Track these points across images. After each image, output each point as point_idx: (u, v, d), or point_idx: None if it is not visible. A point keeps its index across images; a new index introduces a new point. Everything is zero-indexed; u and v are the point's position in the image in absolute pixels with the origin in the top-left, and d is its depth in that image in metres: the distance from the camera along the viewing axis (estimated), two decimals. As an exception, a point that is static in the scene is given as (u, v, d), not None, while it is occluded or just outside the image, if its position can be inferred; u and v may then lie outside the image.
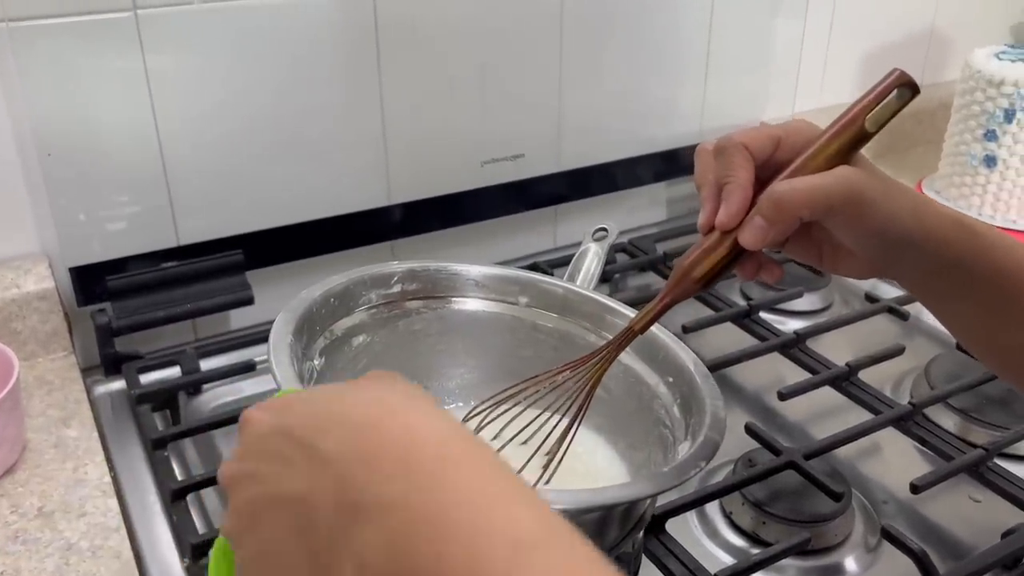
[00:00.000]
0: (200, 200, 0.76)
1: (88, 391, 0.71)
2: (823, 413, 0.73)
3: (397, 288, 0.61)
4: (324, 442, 0.29)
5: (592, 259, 0.69)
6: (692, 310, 0.83)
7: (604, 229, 0.72)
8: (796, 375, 0.74)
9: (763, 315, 0.82)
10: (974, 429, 0.70)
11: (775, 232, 0.43)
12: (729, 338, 0.80)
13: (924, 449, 0.67)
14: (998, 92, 0.94)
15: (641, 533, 0.53)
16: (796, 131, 0.45)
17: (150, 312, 0.74)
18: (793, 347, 0.77)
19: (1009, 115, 0.94)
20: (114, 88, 0.69)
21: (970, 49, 1.00)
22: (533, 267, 0.83)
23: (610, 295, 0.66)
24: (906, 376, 0.78)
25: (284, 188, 0.80)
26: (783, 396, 0.69)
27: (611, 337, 0.51)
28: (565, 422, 0.52)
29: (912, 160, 1.19)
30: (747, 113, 1.05)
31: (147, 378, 0.72)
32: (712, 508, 0.62)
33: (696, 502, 0.59)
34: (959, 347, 0.75)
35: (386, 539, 0.25)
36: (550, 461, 0.52)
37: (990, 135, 0.97)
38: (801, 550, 0.56)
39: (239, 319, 0.82)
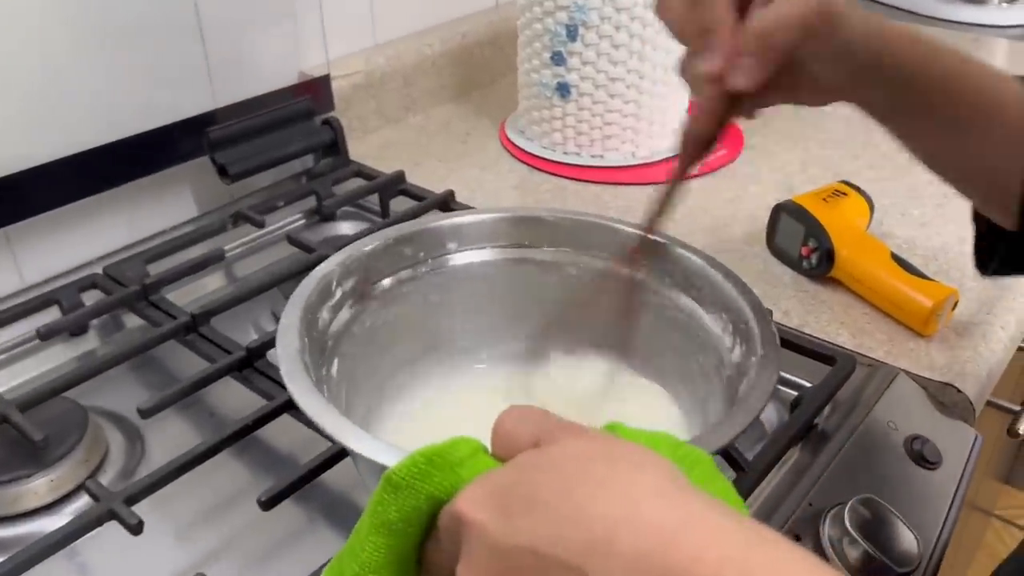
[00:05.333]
0: None
1: None
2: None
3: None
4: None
5: None
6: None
7: None
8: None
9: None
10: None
11: (763, 66, 0.46)
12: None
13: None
14: (555, 4, 0.86)
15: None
16: None
17: None
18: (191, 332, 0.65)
19: (572, 32, 0.87)
20: None
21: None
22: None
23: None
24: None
25: None
26: (144, 413, 0.56)
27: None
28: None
29: (498, 95, 1.09)
30: (282, 66, 0.85)
31: None
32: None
33: None
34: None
35: None
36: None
37: (557, 58, 0.89)
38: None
39: None
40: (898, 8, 1.45)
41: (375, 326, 0.53)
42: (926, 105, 0.50)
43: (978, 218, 0.58)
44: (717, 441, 0.42)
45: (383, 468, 0.33)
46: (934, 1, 1.42)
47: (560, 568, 0.28)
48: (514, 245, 0.57)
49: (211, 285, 0.75)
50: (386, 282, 0.54)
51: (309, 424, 0.42)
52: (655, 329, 0.55)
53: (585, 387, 0.55)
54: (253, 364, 0.60)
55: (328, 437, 0.41)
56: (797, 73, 0.49)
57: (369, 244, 0.53)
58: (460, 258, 0.56)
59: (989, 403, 0.73)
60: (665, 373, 0.56)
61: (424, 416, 0.54)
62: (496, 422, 0.34)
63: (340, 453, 0.51)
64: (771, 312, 0.63)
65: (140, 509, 0.50)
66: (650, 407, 0.56)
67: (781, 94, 0.52)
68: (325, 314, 0.49)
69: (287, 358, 0.43)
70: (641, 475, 0.29)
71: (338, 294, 0.51)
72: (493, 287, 0.56)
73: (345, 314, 0.51)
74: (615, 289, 0.54)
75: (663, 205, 0.51)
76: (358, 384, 0.50)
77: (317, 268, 0.50)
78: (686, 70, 0.49)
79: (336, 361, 0.49)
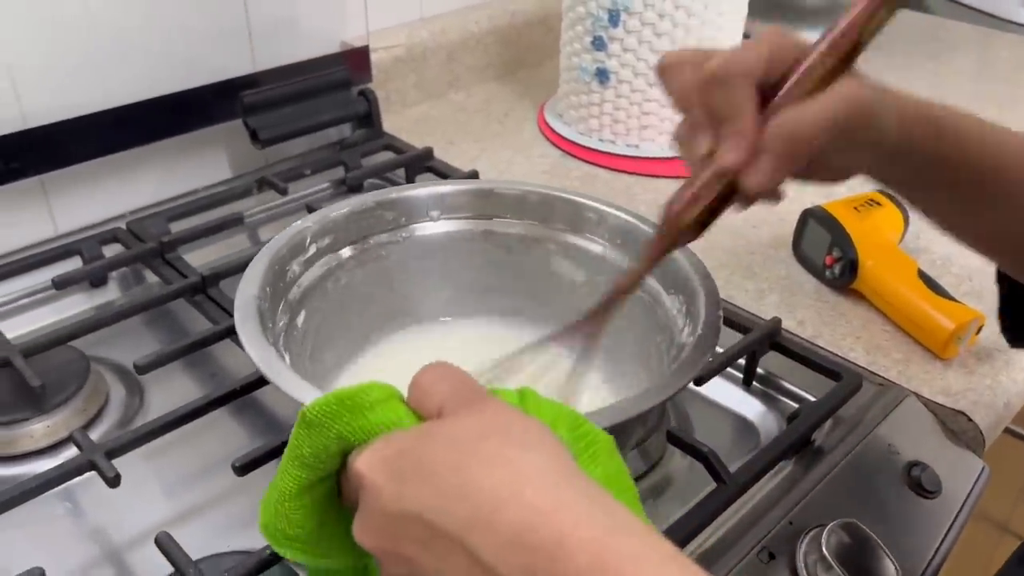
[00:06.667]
0: None
1: None
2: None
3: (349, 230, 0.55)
4: (478, 549, 0.29)
5: None
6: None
7: None
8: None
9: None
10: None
11: (786, 171, 0.42)
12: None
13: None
14: (601, -10, 0.84)
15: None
16: (780, 46, 0.42)
17: None
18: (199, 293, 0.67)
19: (615, 17, 0.85)
20: None
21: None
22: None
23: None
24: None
25: None
26: (139, 368, 0.57)
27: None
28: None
29: (542, 77, 1.08)
30: (323, 34, 0.86)
31: None
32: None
33: None
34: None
35: None
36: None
37: (598, 43, 0.87)
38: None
39: None
40: (980, 11, 1.39)
41: (350, 285, 0.53)
42: (949, 181, 0.48)
43: (1002, 280, 0.55)
44: (613, 417, 0.41)
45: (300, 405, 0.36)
46: (1016, 5, 1.36)
47: (443, 538, 0.30)
48: (497, 217, 0.57)
49: (232, 248, 0.76)
50: (364, 243, 0.54)
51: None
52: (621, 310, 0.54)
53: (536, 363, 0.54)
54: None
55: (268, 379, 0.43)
56: (817, 160, 0.44)
57: (350, 206, 0.54)
58: (440, 227, 0.57)
59: (1011, 432, 0.70)
60: (623, 354, 0.55)
61: (386, 376, 0.55)
62: (417, 374, 0.35)
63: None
64: (780, 321, 0.62)
65: (134, 462, 0.51)
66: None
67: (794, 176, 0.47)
68: (296, 267, 0.50)
69: (242, 301, 0.45)
70: (529, 455, 0.31)
71: (312, 250, 0.51)
72: (470, 257, 0.57)
73: (318, 270, 0.52)
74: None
75: (633, 283, 0.46)
76: (326, 339, 0.51)
77: (293, 224, 0.51)
78: (686, 147, 0.44)
79: (304, 313, 0.50)
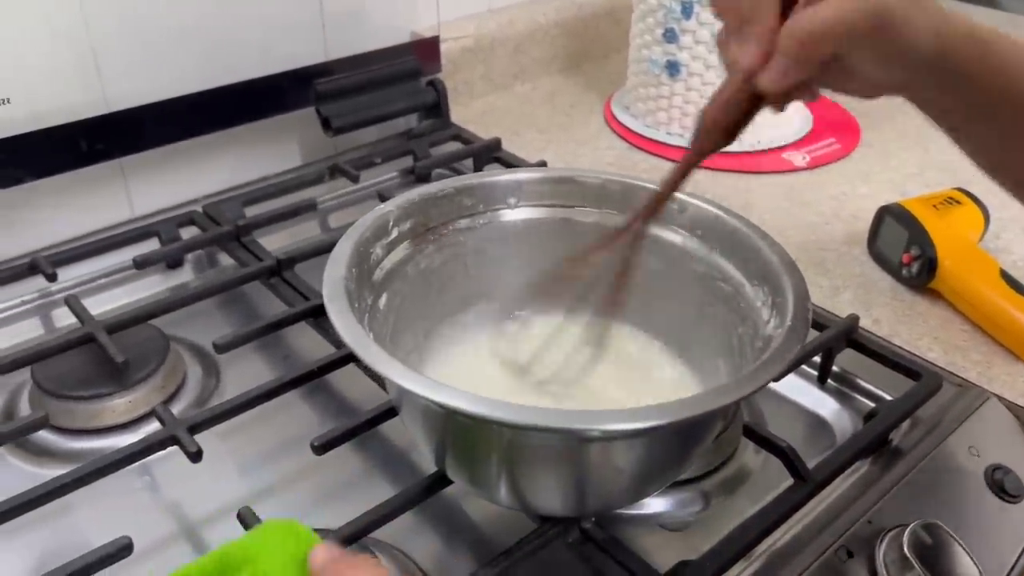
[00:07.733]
0: None
1: None
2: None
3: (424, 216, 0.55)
4: None
5: None
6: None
7: None
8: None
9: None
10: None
11: (798, 72, 0.42)
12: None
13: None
14: (674, -18, 0.83)
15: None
16: None
17: None
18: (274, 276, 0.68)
19: (687, 9, 0.84)
20: None
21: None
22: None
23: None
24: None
25: None
26: (219, 348, 0.58)
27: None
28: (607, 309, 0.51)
29: (609, 70, 1.08)
30: (394, 24, 0.86)
31: None
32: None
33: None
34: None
35: None
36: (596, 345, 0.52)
37: (670, 35, 0.86)
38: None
39: None
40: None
41: (429, 268, 0.54)
42: (990, 110, 0.46)
43: None
44: (704, 406, 0.40)
45: (386, 379, 0.38)
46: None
47: None
48: (576, 206, 0.56)
49: (301, 234, 0.77)
50: (444, 229, 0.55)
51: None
52: (701, 300, 0.53)
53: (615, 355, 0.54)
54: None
55: (356, 355, 0.41)
56: (845, 67, 0.44)
57: (431, 191, 0.54)
58: (518, 214, 0.56)
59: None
60: (702, 346, 0.54)
61: (466, 363, 0.55)
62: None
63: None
64: (858, 318, 0.61)
65: (211, 440, 0.52)
66: (666, 380, 0.54)
67: (826, 84, 0.47)
68: (378, 250, 0.50)
69: (331, 281, 0.45)
70: None
71: (394, 233, 0.52)
72: (547, 245, 0.56)
73: (399, 253, 0.52)
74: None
75: (669, 190, 0.48)
76: (406, 322, 0.52)
77: (377, 207, 0.52)
78: (721, 49, 0.45)
79: (385, 296, 0.50)
